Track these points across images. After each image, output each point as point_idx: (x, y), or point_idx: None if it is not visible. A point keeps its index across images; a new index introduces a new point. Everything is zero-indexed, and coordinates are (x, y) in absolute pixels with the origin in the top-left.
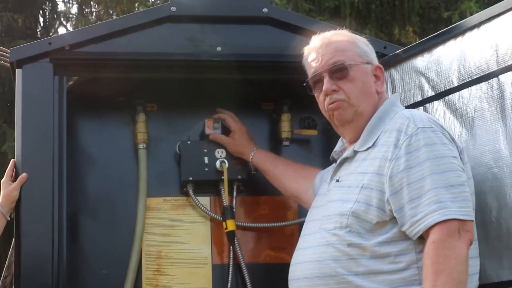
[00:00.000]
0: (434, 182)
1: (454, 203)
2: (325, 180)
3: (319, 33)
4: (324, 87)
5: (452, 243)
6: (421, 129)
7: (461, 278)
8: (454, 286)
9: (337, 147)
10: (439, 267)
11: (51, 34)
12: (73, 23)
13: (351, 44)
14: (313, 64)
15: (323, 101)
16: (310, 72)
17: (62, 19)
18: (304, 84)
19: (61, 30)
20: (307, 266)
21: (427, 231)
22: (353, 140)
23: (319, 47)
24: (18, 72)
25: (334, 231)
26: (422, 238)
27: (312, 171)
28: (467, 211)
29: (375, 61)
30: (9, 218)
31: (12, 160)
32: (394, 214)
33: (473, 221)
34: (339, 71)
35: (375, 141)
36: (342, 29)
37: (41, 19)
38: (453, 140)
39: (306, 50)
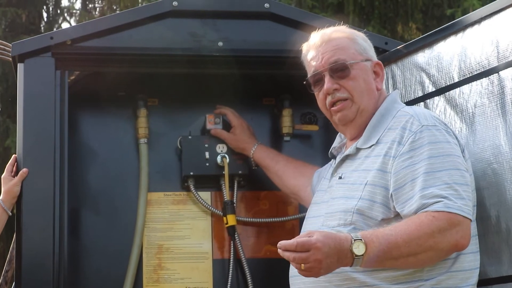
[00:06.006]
0: (438, 179)
1: (458, 200)
2: (324, 176)
3: (318, 29)
4: (325, 86)
5: (445, 231)
6: (425, 127)
7: (416, 258)
8: (406, 251)
9: (336, 143)
10: (416, 233)
11: (54, 29)
12: (77, 18)
13: (351, 41)
14: (313, 63)
15: (323, 100)
16: (310, 71)
17: (65, 14)
18: (304, 82)
19: (65, 26)
20: None
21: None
22: (354, 137)
23: (319, 44)
24: (20, 67)
25: (338, 228)
26: None
27: (312, 169)
28: (469, 210)
29: (374, 57)
30: (10, 214)
31: (13, 155)
32: (396, 208)
33: (471, 220)
34: (340, 70)
35: (378, 139)
36: (341, 25)
37: (44, 15)
38: (456, 138)
39: (305, 47)
